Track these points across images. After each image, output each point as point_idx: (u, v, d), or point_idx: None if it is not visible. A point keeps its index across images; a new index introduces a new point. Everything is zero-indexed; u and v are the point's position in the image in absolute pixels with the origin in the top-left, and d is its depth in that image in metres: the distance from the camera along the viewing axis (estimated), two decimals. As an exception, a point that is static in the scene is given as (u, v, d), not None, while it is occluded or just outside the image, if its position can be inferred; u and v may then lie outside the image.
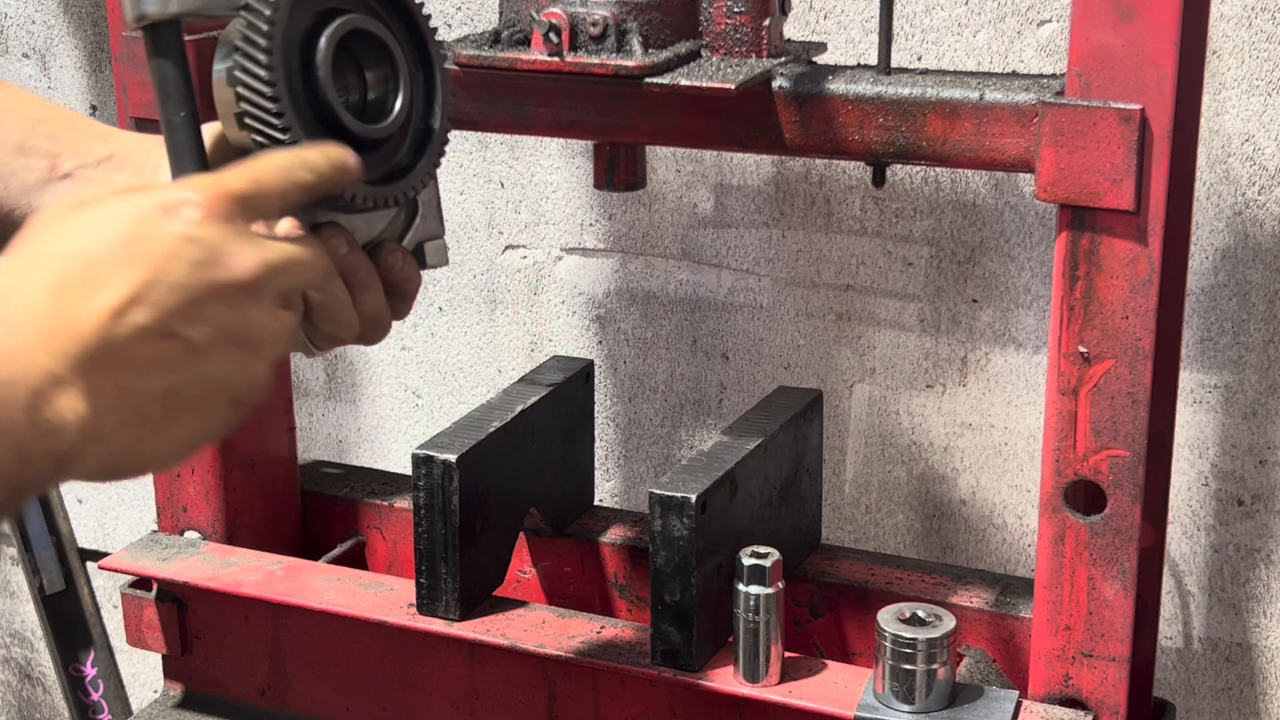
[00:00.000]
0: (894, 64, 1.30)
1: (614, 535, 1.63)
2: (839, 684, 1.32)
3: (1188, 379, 1.67)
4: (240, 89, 0.98)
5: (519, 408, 1.51)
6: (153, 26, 0.99)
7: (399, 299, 1.08)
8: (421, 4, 1.08)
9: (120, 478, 0.86)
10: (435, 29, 1.08)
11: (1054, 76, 1.26)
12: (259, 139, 0.98)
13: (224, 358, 0.87)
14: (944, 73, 1.29)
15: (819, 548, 1.60)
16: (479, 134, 1.89)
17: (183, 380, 0.86)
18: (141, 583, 1.60)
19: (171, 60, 0.99)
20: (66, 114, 1.16)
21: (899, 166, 1.67)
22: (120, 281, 0.84)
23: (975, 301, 1.74)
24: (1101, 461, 1.24)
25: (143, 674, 2.33)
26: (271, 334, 0.90)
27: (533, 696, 1.44)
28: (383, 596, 1.48)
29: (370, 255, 1.06)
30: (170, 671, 1.62)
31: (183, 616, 1.59)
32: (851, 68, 1.32)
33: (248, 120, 0.99)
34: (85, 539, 2.29)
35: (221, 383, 0.88)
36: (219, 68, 1.01)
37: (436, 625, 1.44)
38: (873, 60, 1.33)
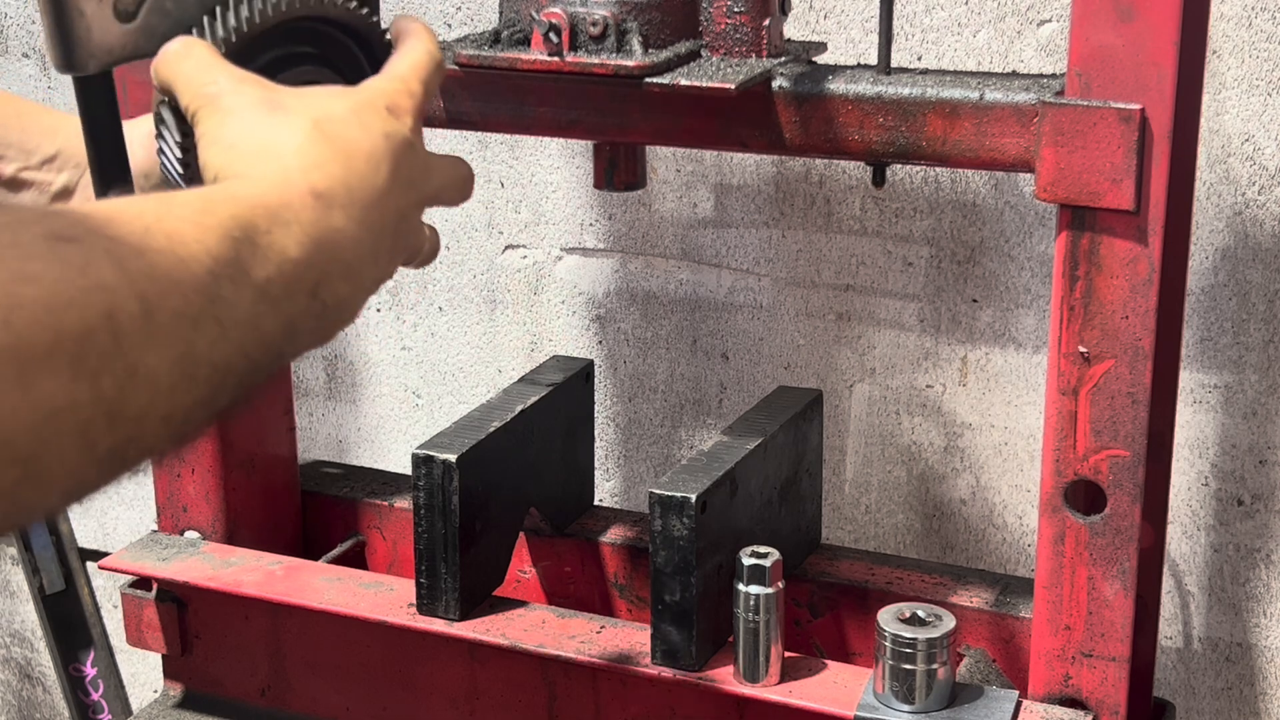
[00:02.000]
0: (894, 64, 1.30)
1: (614, 535, 1.63)
2: (839, 684, 1.32)
3: (1188, 379, 1.67)
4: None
5: (519, 408, 1.51)
6: (83, 79, 0.95)
7: None
8: (384, 31, 1.05)
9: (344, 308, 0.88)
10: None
11: (1054, 76, 1.26)
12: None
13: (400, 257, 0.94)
14: (944, 73, 1.29)
15: (819, 548, 1.60)
16: (479, 134, 1.89)
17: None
18: (141, 583, 1.60)
19: (103, 112, 0.96)
20: (13, 106, 1.13)
21: (899, 166, 1.67)
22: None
23: (975, 301, 1.74)
24: (1101, 461, 1.24)
25: (143, 674, 2.33)
26: (427, 245, 1.00)
27: (533, 696, 1.44)
28: (383, 596, 1.48)
29: None
30: (170, 671, 1.62)
31: (183, 616, 1.59)
32: (851, 68, 1.32)
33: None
34: (85, 539, 2.29)
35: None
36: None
37: (436, 625, 1.44)
38: (873, 60, 1.33)
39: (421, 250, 1.00)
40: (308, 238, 0.82)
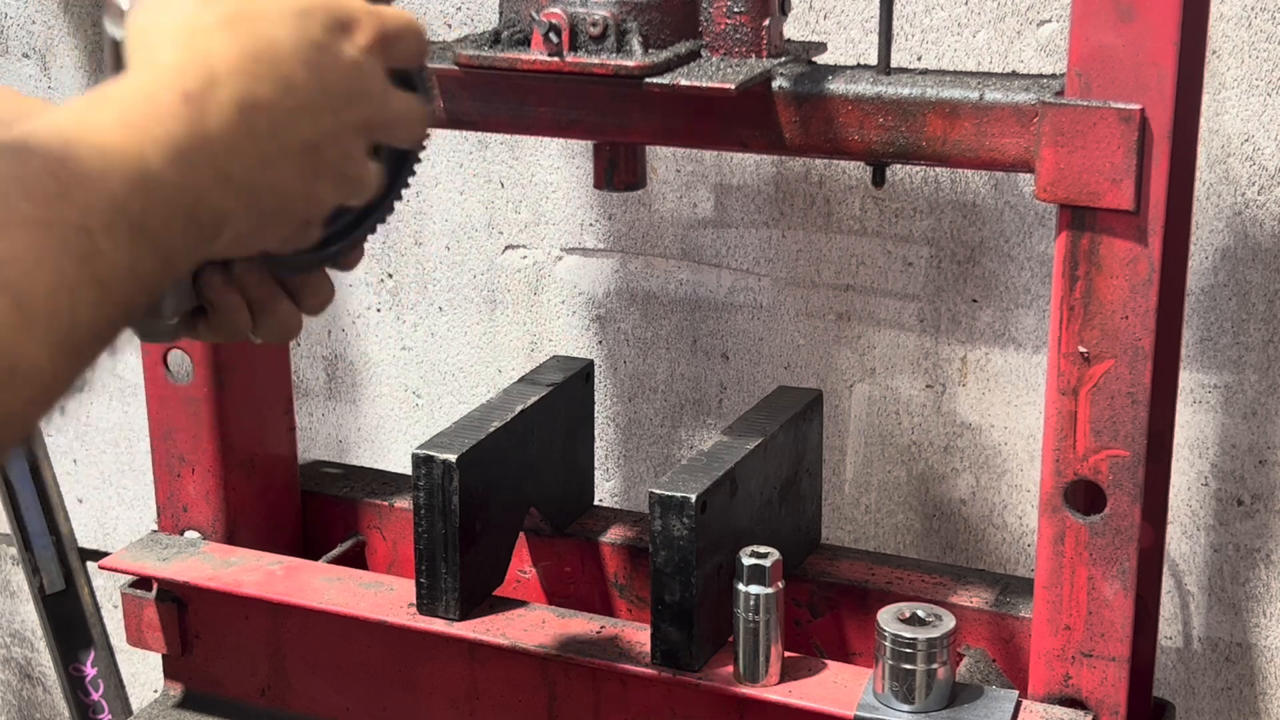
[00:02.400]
0: (894, 64, 1.30)
1: (614, 535, 1.63)
2: (839, 684, 1.32)
3: (1188, 379, 1.67)
4: None
5: (519, 408, 1.51)
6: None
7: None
8: None
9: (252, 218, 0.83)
10: None
11: (1054, 76, 1.26)
12: None
13: (331, 185, 0.88)
14: (944, 73, 1.29)
15: (819, 548, 1.60)
16: (479, 134, 1.89)
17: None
18: (141, 582, 1.60)
19: None
20: None
21: (899, 166, 1.67)
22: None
23: (975, 301, 1.74)
24: (1101, 461, 1.24)
25: (143, 674, 2.33)
26: (368, 177, 0.91)
27: (533, 696, 1.44)
28: (383, 596, 1.48)
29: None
30: (170, 671, 1.62)
31: (183, 616, 1.59)
32: (851, 68, 1.32)
33: None
34: (85, 539, 2.29)
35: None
36: None
37: (436, 625, 1.44)
38: (873, 60, 1.33)
39: (363, 184, 0.91)
40: (174, 154, 0.74)
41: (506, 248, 1.95)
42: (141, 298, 0.73)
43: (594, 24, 1.27)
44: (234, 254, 0.87)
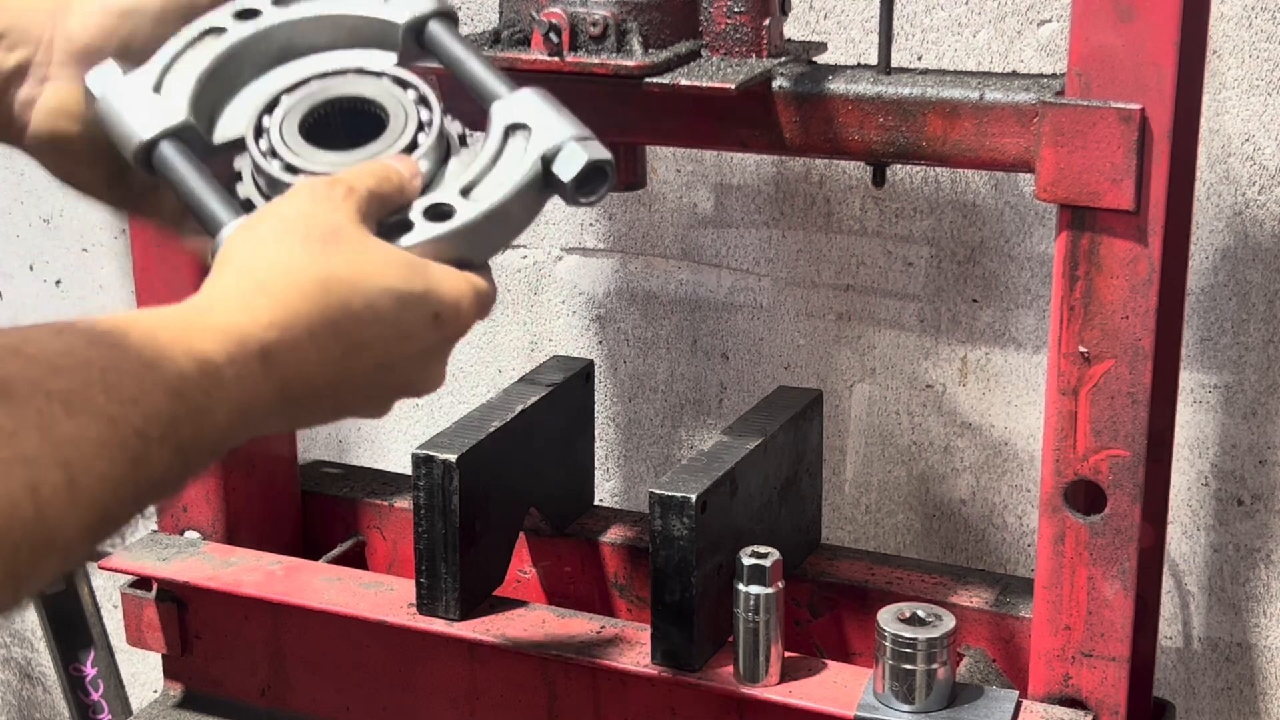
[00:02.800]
0: (894, 64, 1.30)
1: (614, 535, 1.63)
2: (839, 684, 1.32)
3: (1188, 379, 1.67)
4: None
5: (519, 408, 1.51)
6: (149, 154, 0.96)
7: None
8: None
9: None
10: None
11: (1054, 76, 1.26)
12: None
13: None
14: (944, 73, 1.29)
15: (819, 548, 1.60)
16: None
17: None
18: (141, 582, 1.60)
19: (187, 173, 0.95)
20: None
21: (899, 166, 1.67)
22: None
23: (975, 301, 1.74)
24: (1101, 461, 1.24)
25: (143, 674, 2.33)
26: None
27: (533, 696, 1.43)
28: (383, 596, 1.48)
29: None
30: (170, 671, 1.62)
31: (183, 616, 1.59)
32: (851, 68, 1.32)
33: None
34: (85, 539, 2.29)
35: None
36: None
37: (436, 625, 1.44)
38: (873, 60, 1.33)
39: (426, 388, 0.96)
40: (236, 409, 0.81)
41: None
42: (158, 502, 0.80)
43: (594, 24, 1.27)
44: None
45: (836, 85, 1.28)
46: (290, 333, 0.84)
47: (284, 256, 0.86)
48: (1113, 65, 1.15)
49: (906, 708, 1.27)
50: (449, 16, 1.04)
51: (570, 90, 1.36)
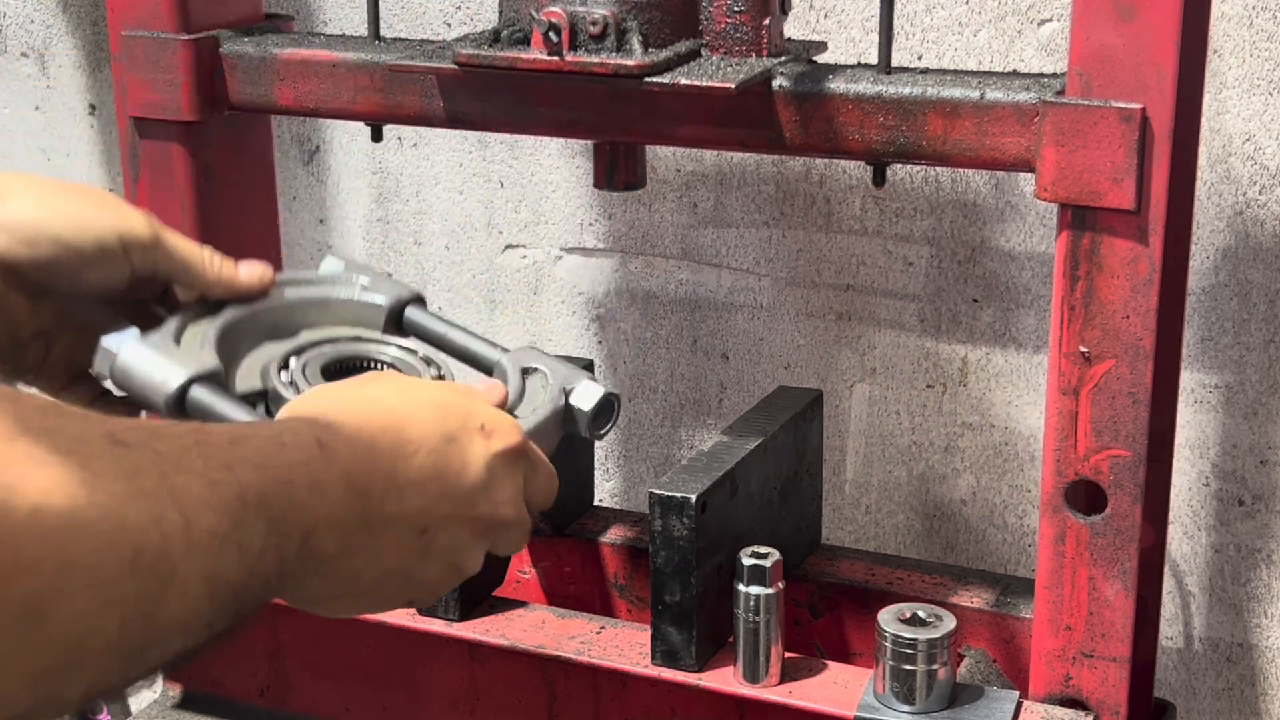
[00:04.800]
0: (894, 63, 1.30)
1: (614, 535, 1.63)
2: (839, 684, 1.32)
3: (1188, 379, 1.67)
4: None
5: (519, 407, 1.51)
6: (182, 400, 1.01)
7: None
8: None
9: (307, 607, 0.92)
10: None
11: (1054, 76, 1.26)
12: None
13: (439, 569, 0.97)
14: (944, 72, 1.29)
15: (819, 548, 1.59)
16: (479, 134, 1.89)
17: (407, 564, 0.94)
18: (141, 583, 1.60)
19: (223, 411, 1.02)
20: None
21: (899, 166, 1.66)
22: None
23: (975, 301, 1.74)
24: (1102, 461, 1.24)
25: (142, 674, 2.32)
26: (474, 567, 1.01)
27: (533, 696, 1.43)
28: (382, 596, 1.48)
29: None
30: (170, 671, 1.62)
31: (182, 616, 1.59)
32: (852, 67, 1.32)
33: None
34: (85, 539, 2.29)
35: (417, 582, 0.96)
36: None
37: (436, 625, 1.44)
38: (873, 60, 1.33)
39: (467, 573, 1.02)
40: (309, 486, 0.83)
41: (506, 247, 1.94)
42: (263, 590, 0.80)
43: (594, 23, 1.27)
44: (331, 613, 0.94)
45: (836, 85, 1.27)
46: (348, 428, 0.88)
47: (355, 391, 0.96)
48: (1113, 65, 1.15)
49: (907, 708, 1.27)
50: (421, 301, 1.16)
51: (570, 90, 1.36)
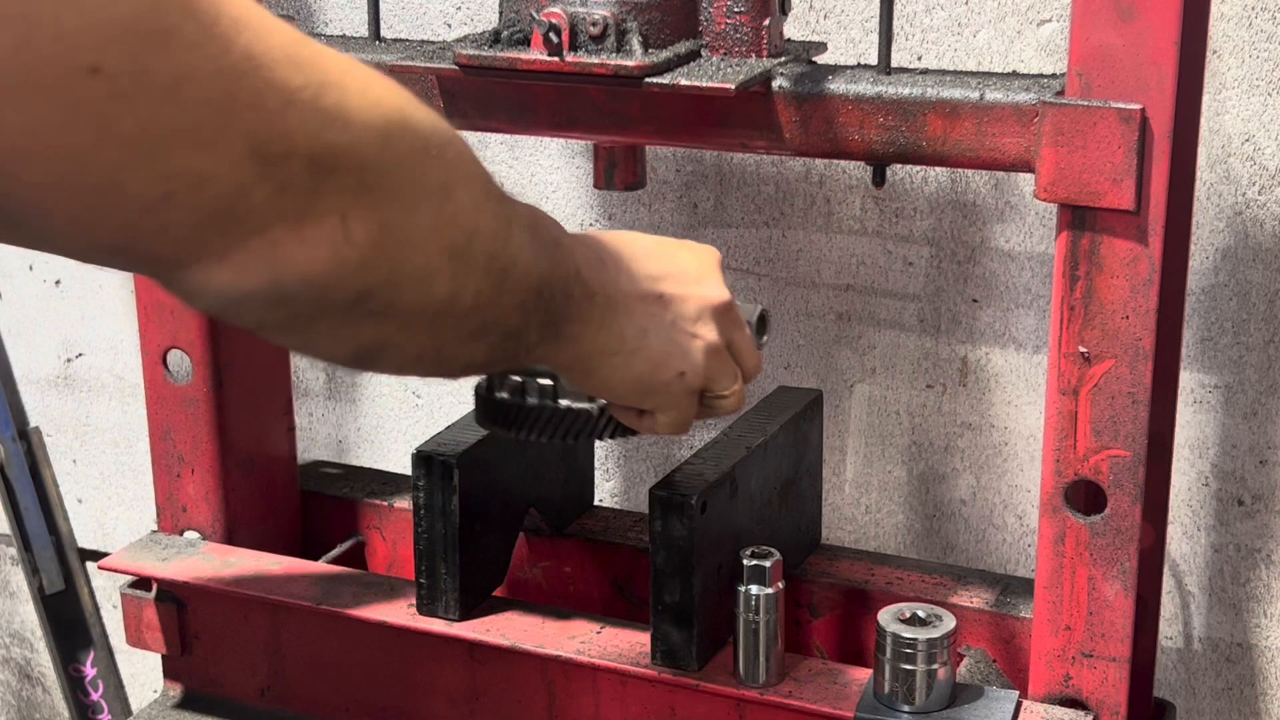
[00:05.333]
0: (894, 64, 1.30)
1: (614, 535, 1.63)
2: (839, 684, 1.32)
3: (1188, 379, 1.67)
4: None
5: (519, 408, 1.51)
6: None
7: None
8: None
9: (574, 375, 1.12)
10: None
11: (1054, 76, 1.26)
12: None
13: (684, 338, 1.14)
14: (944, 73, 1.29)
15: (819, 548, 1.60)
16: (479, 134, 1.88)
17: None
18: (141, 583, 1.60)
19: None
20: None
21: (899, 166, 1.67)
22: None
23: (975, 301, 1.74)
24: (1102, 461, 1.24)
25: (143, 674, 2.33)
26: (717, 362, 1.18)
27: (533, 696, 1.43)
28: (382, 597, 1.48)
29: None
30: (170, 671, 1.62)
31: (182, 616, 1.59)
32: (851, 67, 1.32)
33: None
34: (85, 539, 2.29)
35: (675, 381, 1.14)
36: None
37: (436, 625, 1.44)
38: (873, 60, 1.33)
39: (684, 423, 1.19)
40: (570, 243, 1.06)
41: (506, 248, 1.94)
42: (555, 285, 1.01)
43: (594, 24, 1.27)
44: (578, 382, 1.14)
45: (836, 85, 1.28)
46: (622, 253, 1.12)
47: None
48: (1113, 65, 1.15)
49: (907, 708, 1.27)
50: None
51: (570, 90, 1.36)
